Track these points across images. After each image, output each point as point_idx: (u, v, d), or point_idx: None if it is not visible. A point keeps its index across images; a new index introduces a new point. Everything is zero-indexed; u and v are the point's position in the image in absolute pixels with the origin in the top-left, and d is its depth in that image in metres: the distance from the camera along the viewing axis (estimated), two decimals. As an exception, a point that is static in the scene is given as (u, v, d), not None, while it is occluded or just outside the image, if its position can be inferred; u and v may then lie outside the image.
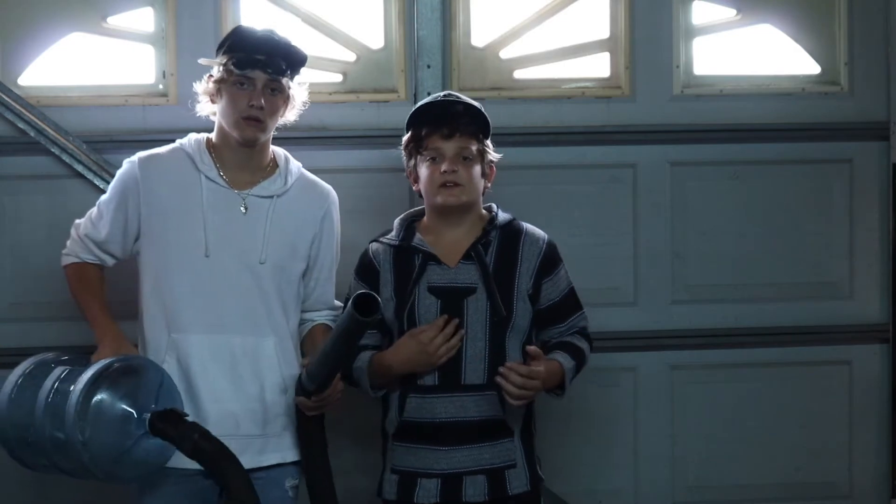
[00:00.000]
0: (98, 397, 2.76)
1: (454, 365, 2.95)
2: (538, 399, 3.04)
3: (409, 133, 3.08)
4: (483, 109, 3.07)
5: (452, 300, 2.97)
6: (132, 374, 2.83)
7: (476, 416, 2.95)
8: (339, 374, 2.89)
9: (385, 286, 3.04)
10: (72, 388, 2.78)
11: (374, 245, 3.11)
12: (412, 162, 3.08)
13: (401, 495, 2.99)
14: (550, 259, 3.07)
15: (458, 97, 3.08)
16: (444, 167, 2.98)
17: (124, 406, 2.78)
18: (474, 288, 2.98)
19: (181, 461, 2.91)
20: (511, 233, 3.07)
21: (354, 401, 3.18)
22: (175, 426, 2.78)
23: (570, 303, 3.09)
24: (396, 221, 3.13)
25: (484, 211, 3.11)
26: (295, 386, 2.94)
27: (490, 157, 3.08)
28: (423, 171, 3.03)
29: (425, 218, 3.11)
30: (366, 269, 3.08)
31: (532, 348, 2.91)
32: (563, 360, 3.00)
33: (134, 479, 2.88)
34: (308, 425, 2.95)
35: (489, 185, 3.11)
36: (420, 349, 2.93)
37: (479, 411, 2.95)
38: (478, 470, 2.95)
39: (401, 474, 3.00)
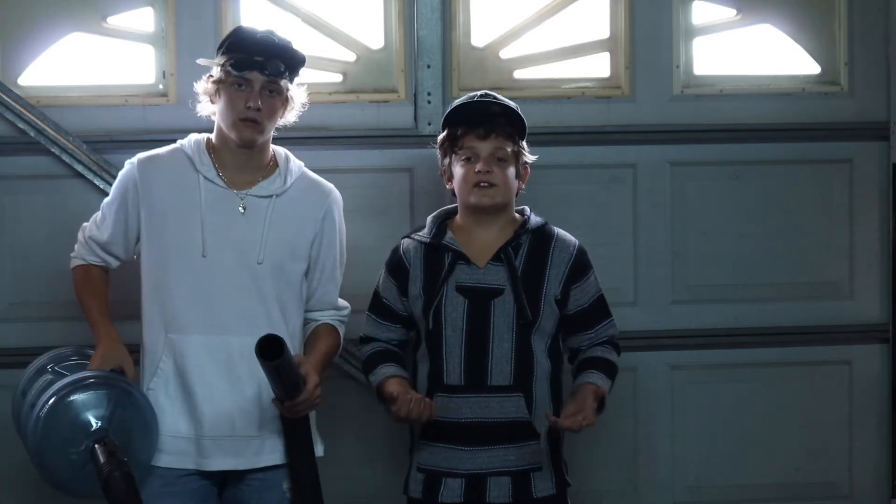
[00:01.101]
0: (61, 402, 2.75)
1: (480, 365, 2.96)
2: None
3: (445, 132, 3.10)
4: (520, 111, 3.08)
5: (479, 300, 2.99)
6: (101, 389, 2.80)
7: (501, 417, 2.97)
8: (317, 381, 2.87)
9: (414, 283, 3.06)
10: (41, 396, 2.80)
11: (406, 241, 3.13)
12: (447, 161, 3.09)
13: (426, 494, 3.01)
14: (580, 265, 3.09)
15: (495, 97, 3.09)
16: (478, 167, 2.99)
17: (80, 418, 2.76)
18: (502, 289, 2.99)
19: (175, 461, 2.92)
20: (542, 237, 3.07)
21: (355, 403, 3.19)
22: (105, 455, 2.69)
23: (599, 310, 3.11)
24: (429, 218, 3.15)
25: (517, 214, 3.12)
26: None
27: (525, 159, 3.09)
28: (458, 170, 3.04)
29: (458, 217, 3.12)
30: (395, 265, 3.11)
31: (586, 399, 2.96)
32: (601, 381, 3.03)
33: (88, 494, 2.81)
34: (292, 428, 2.92)
35: (523, 186, 3.12)
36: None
37: (505, 412, 2.97)
38: (502, 471, 2.97)
39: (426, 473, 3.02)
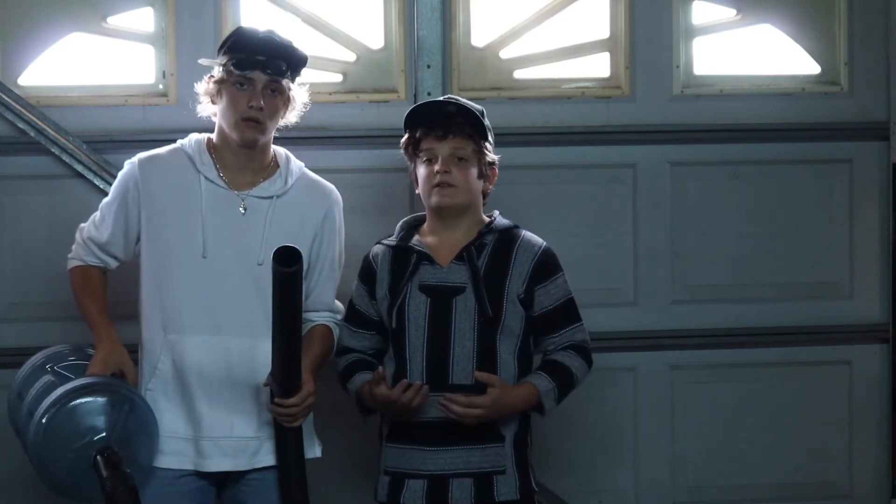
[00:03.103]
0: (63, 408, 2.74)
1: (442, 364, 2.95)
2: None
3: (406, 136, 3.09)
4: (477, 110, 3.05)
5: (441, 299, 2.98)
6: (104, 396, 2.80)
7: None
8: (312, 390, 2.88)
9: (381, 285, 3.05)
10: (45, 399, 2.79)
11: (376, 247, 3.13)
12: (412, 164, 3.09)
13: (391, 496, 2.98)
14: (545, 266, 3.04)
15: (456, 100, 3.08)
16: (437, 167, 2.98)
17: (82, 424, 2.75)
18: (463, 288, 2.98)
19: (173, 461, 2.92)
20: (507, 238, 3.06)
21: (355, 405, 3.17)
22: (109, 468, 2.68)
23: (565, 313, 3.05)
24: (399, 224, 3.14)
25: (485, 217, 3.11)
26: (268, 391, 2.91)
27: (489, 159, 3.07)
28: (420, 172, 3.04)
29: (426, 221, 3.11)
30: (364, 271, 3.11)
31: (480, 374, 2.91)
32: (539, 381, 2.97)
33: (89, 497, 2.81)
34: (284, 436, 2.91)
35: (491, 186, 3.10)
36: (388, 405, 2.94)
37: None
38: (465, 473, 2.94)
39: (392, 475, 3.00)
